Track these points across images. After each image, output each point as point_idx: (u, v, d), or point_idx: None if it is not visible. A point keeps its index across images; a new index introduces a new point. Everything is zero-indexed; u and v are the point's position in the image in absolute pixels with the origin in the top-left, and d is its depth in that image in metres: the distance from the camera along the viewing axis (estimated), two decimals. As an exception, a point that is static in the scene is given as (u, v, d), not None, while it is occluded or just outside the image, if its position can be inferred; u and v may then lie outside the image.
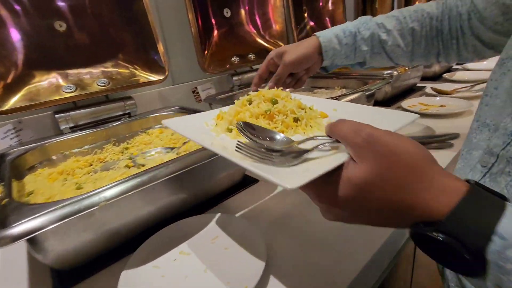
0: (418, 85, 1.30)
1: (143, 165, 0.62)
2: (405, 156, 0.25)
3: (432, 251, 0.25)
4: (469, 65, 1.49)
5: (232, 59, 1.06)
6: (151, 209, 0.47)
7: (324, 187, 0.28)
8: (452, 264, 0.24)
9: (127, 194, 0.38)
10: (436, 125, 0.83)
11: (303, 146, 0.34)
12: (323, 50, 0.62)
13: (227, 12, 1.06)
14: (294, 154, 0.32)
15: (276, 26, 1.19)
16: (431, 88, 1.16)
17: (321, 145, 0.32)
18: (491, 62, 1.41)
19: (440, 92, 1.12)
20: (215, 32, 1.01)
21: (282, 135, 0.36)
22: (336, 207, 0.28)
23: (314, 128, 0.43)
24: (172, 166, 0.45)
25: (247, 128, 0.35)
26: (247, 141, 0.34)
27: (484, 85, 1.16)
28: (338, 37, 0.63)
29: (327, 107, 0.48)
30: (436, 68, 1.40)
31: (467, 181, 0.25)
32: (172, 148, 0.65)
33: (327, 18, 1.48)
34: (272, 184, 0.61)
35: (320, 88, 1.16)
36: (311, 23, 1.41)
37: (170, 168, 0.45)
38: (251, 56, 1.11)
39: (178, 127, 0.43)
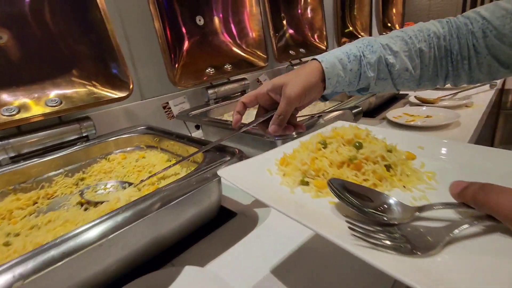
0: (401, 92, 1.27)
1: (99, 203, 0.52)
2: None
3: None
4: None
5: (207, 70, 0.98)
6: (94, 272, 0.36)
7: None
8: None
9: (57, 265, 0.29)
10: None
11: (426, 214, 0.27)
12: (326, 77, 0.53)
13: (199, 20, 0.98)
14: (421, 233, 0.25)
15: (253, 34, 1.12)
16: (415, 97, 1.13)
17: (464, 224, 0.24)
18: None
19: (424, 101, 1.09)
20: (186, 42, 0.93)
21: (392, 199, 0.29)
22: None
23: (411, 177, 0.34)
24: (131, 215, 0.35)
25: (344, 191, 0.29)
26: (350, 209, 0.28)
27: (467, 92, 1.15)
28: (342, 62, 0.54)
29: (409, 143, 0.41)
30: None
31: None
32: (130, 184, 0.55)
33: (306, 26, 1.44)
34: (253, 219, 0.53)
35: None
36: (290, 31, 1.36)
37: (125, 219, 0.35)
38: (228, 66, 1.03)
39: (240, 180, 0.33)
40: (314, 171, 0.36)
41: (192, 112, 0.86)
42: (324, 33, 1.47)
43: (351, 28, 1.74)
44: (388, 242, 0.24)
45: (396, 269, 0.20)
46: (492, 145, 1.98)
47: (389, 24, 1.80)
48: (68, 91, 0.69)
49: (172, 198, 0.39)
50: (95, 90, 0.72)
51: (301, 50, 1.37)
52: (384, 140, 0.40)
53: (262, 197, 0.30)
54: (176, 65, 0.87)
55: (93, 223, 0.33)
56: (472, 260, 0.22)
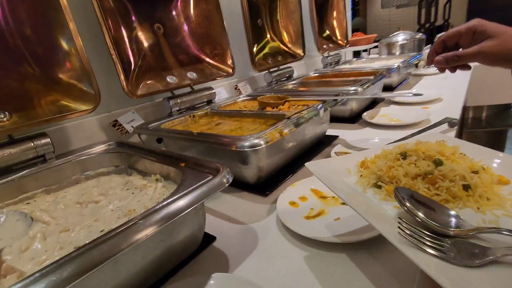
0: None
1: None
2: None
3: None
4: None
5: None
6: None
7: None
8: None
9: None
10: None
11: (485, 236, 0.27)
12: None
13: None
14: (472, 247, 0.26)
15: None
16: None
17: None
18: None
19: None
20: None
21: (455, 214, 0.30)
22: None
23: (492, 202, 0.33)
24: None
25: (408, 198, 0.31)
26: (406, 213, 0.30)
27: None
28: None
29: (507, 165, 0.39)
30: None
31: None
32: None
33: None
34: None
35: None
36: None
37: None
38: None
39: (322, 174, 0.40)
40: (388, 178, 0.39)
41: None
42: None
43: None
44: (431, 246, 0.26)
45: (425, 265, 0.23)
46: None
47: (328, 32, 1.78)
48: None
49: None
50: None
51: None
52: (475, 160, 0.39)
53: (343, 196, 0.35)
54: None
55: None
56: (505, 279, 0.23)
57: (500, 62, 0.47)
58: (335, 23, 1.78)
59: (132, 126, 0.94)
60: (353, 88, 0.99)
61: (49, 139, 0.66)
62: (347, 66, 1.67)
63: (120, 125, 0.92)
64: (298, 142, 0.76)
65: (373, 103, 1.29)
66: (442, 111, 1.03)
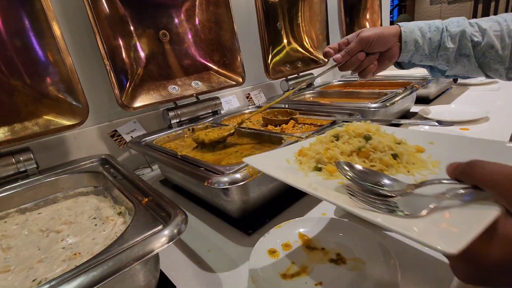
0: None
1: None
2: None
3: None
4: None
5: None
6: None
7: (473, 247, 0.23)
8: None
9: None
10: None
11: (420, 191, 0.31)
12: (403, 40, 0.59)
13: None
14: (416, 200, 0.29)
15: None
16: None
17: (452, 192, 0.28)
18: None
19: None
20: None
21: (391, 177, 0.34)
22: (487, 271, 0.25)
23: (417, 165, 0.39)
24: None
25: (351, 169, 0.34)
26: (352, 184, 0.33)
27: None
28: (422, 30, 0.59)
29: (420, 139, 0.45)
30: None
31: None
32: None
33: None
34: None
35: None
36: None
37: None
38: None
39: (262, 166, 0.40)
40: (327, 159, 0.41)
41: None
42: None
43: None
44: (382, 206, 0.29)
45: (388, 223, 0.25)
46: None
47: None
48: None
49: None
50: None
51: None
52: (393, 134, 0.44)
53: (285, 179, 0.36)
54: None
55: None
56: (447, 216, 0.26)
57: (375, 43, 0.61)
58: (367, 24, 1.61)
59: (131, 136, 0.91)
60: (374, 105, 0.86)
61: (31, 155, 0.64)
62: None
63: (119, 135, 0.90)
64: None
65: (402, 117, 1.12)
66: (485, 136, 0.85)
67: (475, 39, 0.55)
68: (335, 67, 0.66)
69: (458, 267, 0.27)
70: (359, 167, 0.35)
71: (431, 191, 0.29)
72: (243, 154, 0.66)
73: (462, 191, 0.28)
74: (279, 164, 0.43)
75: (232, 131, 0.72)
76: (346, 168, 0.34)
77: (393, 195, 0.30)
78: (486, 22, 0.56)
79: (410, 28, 0.60)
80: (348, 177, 0.33)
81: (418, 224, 0.26)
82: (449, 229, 0.25)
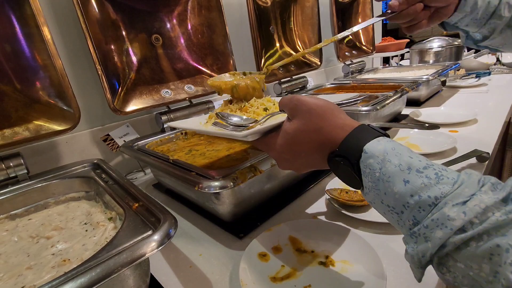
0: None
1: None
2: (318, 110, 0.38)
3: (340, 174, 0.37)
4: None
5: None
6: None
7: (270, 140, 0.43)
8: (351, 181, 0.35)
9: None
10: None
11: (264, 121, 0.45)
12: None
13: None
14: (250, 122, 0.46)
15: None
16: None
17: (272, 115, 0.46)
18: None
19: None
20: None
21: (246, 117, 0.48)
22: (281, 153, 0.42)
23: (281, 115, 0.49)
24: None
25: (222, 114, 0.49)
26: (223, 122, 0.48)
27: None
28: None
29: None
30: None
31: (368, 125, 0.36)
32: None
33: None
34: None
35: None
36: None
37: None
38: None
39: (180, 124, 0.65)
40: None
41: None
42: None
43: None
44: (228, 128, 0.46)
45: (219, 131, 0.47)
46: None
47: (351, 38, 1.62)
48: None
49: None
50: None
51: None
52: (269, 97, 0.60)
53: (188, 127, 0.61)
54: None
55: None
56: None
57: None
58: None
59: (124, 141, 0.91)
60: (365, 108, 0.87)
61: (21, 160, 0.63)
62: (370, 75, 1.52)
63: (112, 139, 0.89)
64: (286, 174, 0.66)
65: (393, 120, 1.14)
66: (473, 138, 0.87)
67: None
68: (388, 16, 0.60)
69: (275, 159, 0.44)
70: (226, 113, 0.50)
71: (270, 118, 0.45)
72: (235, 157, 0.66)
73: (280, 113, 0.44)
74: (193, 123, 0.61)
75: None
76: (218, 114, 0.50)
77: (242, 123, 0.45)
78: None
79: None
80: (218, 117, 0.49)
81: (242, 132, 0.42)
82: (254, 129, 0.42)
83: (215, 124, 0.47)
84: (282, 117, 0.43)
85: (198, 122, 0.58)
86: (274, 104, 0.55)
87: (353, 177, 0.34)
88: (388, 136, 0.35)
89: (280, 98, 0.43)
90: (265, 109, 0.54)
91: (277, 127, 0.42)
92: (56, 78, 0.66)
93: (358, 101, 0.75)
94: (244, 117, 0.48)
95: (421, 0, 0.57)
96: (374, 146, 0.32)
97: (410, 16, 0.59)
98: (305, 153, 0.39)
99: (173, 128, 0.90)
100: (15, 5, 0.61)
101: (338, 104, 0.50)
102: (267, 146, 0.43)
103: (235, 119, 0.47)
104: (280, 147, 0.41)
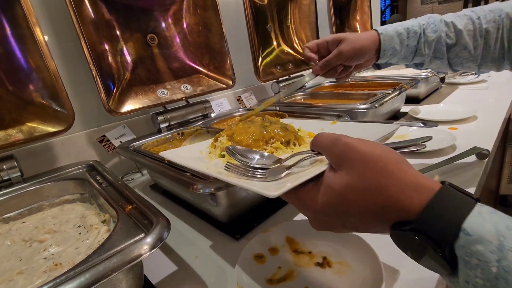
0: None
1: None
2: (378, 161, 0.27)
3: (411, 251, 0.27)
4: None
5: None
6: None
7: (307, 195, 0.31)
8: (430, 263, 0.25)
9: None
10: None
11: (289, 162, 0.35)
12: (382, 48, 0.60)
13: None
14: (280, 170, 0.35)
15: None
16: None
17: (304, 159, 0.35)
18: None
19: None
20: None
21: (268, 154, 0.39)
22: (321, 214, 0.31)
23: (302, 146, 0.46)
24: None
25: (235, 150, 0.39)
26: (237, 162, 0.38)
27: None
28: (400, 37, 0.60)
29: (316, 127, 0.51)
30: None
31: (442, 182, 0.26)
32: None
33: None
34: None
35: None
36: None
37: None
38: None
39: (175, 157, 0.48)
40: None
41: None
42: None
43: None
44: (246, 173, 0.35)
45: (243, 183, 0.33)
46: (499, 183, 1.74)
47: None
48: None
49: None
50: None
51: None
52: (292, 124, 0.51)
53: (189, 165, 0.43)
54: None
55: None
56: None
57: (354, 58, 0.61)
58: (358, 26, 1.62)
59: (120, 141, 0.90)
60: (363, 106, 0.87)
61: (15, 163, 0.63)
62: (369, 73, 1.51)
63: (108, 140, 0.89)
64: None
65: (393, 118, 1.13)
66: (473, 135, 0.86)
67: (450, 41, 0.57)
68: (313, 77, 0.67)
69: (308, 217, 0.33)
70: (239, 147, 0.40)
71: (302, 162, 0.35)
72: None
73: (311, 158, 0.35)
74: (192, 155, 0.49)
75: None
76: (229, 148, 0.40)
77: (264, 167, 0.36)
78: (461, 20, 0.57)
79: (389, 35, 0.61)
80: (232, 156, 0.38)
81: (268, 183, 0.33)
82: (282, 182, 0.33)
83: (227, 168, 0.37)
84: (318, 164, 0.33)
85: (197, 151, 0.50)
86: (295, 135, 0.47)
87: (440, 262, 0.24)
88: (479, 200, 0.25)
89: (314, 135, 0.33)
90: (287, 142, 0.45)
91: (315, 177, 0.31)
92: (49, 79, 0.65)
93: (419, 142, 0.61)
94: (266, 153, 0.39)
95: (340, 63, 0.63)
96: (479, 224, 0.22)
97: (332, 75, 0.66)
98: (355, 218, 0.29)
99: (169, 128, 0.89)
100: (5, 5, 0.60)
101: (395, 148, 0.39)
102: (301, 203, 0.32)
103: (255, 159, 0.37)
104: (321, 206, 0.30)
